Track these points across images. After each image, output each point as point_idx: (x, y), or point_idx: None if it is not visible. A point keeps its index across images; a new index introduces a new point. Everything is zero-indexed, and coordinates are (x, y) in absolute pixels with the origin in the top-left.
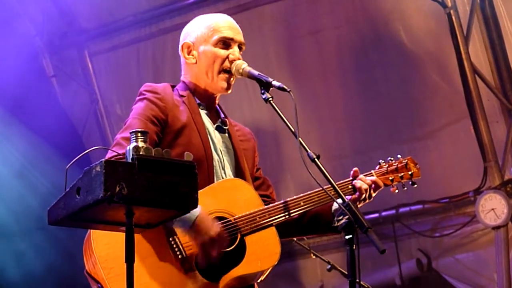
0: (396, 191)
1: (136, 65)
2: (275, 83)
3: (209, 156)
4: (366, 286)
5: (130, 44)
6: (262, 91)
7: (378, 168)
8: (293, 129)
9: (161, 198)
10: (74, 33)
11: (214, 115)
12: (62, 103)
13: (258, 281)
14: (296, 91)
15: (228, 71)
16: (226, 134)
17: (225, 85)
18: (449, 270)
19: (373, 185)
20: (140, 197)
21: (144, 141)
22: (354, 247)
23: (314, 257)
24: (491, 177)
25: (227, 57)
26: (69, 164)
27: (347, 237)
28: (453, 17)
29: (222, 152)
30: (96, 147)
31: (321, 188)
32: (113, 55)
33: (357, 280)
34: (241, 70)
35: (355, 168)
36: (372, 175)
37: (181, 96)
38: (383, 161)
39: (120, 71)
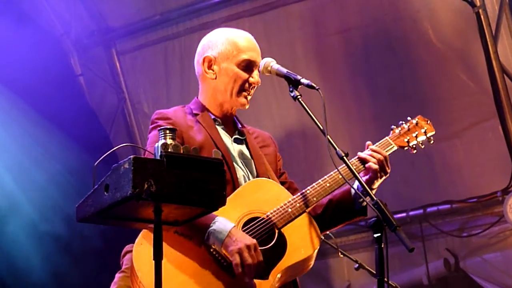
0: (415, 151)
1: (163, 64)
2: (303, 80)
3: (233, 172)
4: (394, 285)
5: (157, 43)
6: (291, 89)
7: (392, 133)
8: (321, 127)
9: (190, 195)
10: (102, 32)
11: (230, 127)
12: (89, 102)
13: (308, 268)
14: (324, 90)
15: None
16: (244, 145)
17: (244, 102)
18: (476, 270)
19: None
20: (169, 194)
21: (173, 138)
22: (382, 246)
23: (341, 256)
24: None
25: (247, 80)
26: (97, 162)
27: (375, 235)
28: (482, 16)
29: (243, 164)
30: (123, 145)
31: (342, 167)
32: (141, 54)
33: (385, 279)
34: (269, 68)
35: (368, 142)
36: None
37: (195, 114)
38: (394, 126)
39: (147, 70)
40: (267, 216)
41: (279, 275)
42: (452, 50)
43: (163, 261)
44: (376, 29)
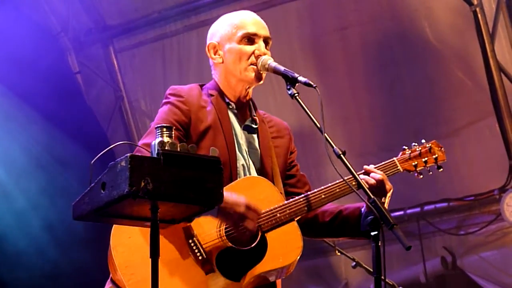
0: (421, 176)
1: (161, 62)
2: (301, 78)
3: (232, 159)
4: (391, 283)
5: (155, 40)
6: (288, 87)
7: (401, 155)
8: (318, 125)
9: (186, 193)
10: (99, 30)
11: (244, 113)
12: (87, 100)
13: (284, 276)
14: (321, 88)
15: (255, 65)
16: (255, 134)
17: (253, 75)
18: (474, 268)
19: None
20: (165, 192)
21: (170, 136)
22: (379, 244)
23: (339, 254)
24: None
25: (253, 52)
26: (93, 159)
27: (372, 233)
28: (479, 15)
29: (248, 153)
30: (120, 142)
31: (341, 180)
32: (138, 52)
33: (382, 277)
34: (267, 66)
35: (365, 166)
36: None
37: (210, 95)
38: (406, 147)
39: (145, 68)
40: None
41: (251, 279)
42: (449, 48)
43: (140, 247)
44: (374, 27)
